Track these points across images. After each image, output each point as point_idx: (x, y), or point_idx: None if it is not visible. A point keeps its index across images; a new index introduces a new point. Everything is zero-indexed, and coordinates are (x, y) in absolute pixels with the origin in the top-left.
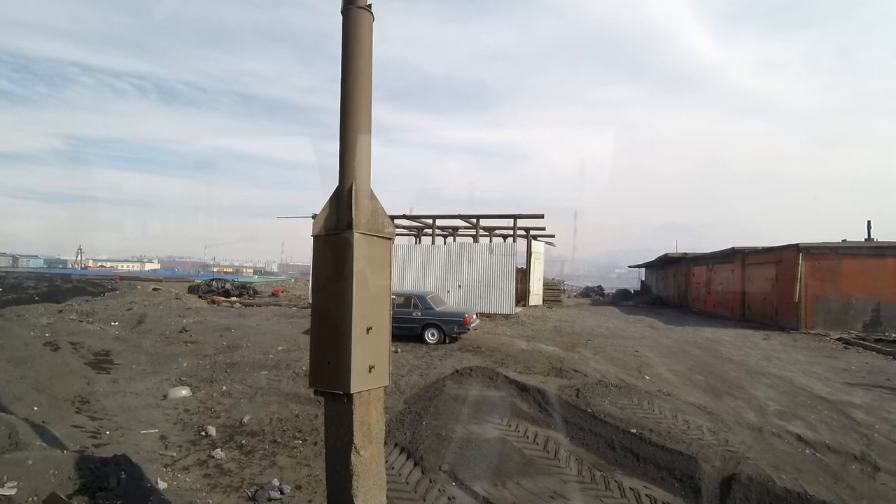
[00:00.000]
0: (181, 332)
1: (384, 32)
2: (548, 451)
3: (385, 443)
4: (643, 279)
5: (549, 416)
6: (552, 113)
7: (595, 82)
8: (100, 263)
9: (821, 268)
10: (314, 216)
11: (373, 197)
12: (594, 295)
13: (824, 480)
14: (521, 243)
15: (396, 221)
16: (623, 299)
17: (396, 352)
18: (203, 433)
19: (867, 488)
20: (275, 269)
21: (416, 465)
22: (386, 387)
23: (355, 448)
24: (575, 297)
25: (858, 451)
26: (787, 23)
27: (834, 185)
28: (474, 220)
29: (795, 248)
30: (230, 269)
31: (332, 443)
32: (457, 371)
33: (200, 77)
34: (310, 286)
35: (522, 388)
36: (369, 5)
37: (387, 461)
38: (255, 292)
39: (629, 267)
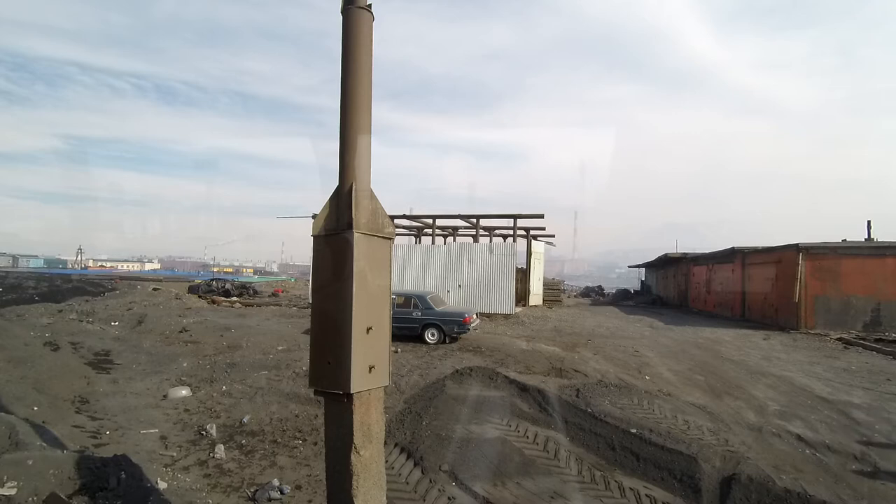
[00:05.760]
0: (181, 332)
1: (384, 32)
2: (548, 451)
3: (385, 443)
4: (643, 279)
5: (549, 416)
6: (552, 113)
7: (595, 82)
8: (100, 263)
9: (821, 268)
10: (314, 216)
11: (373, 197)
12: (594, 295)
13: (824, 480)
14: (521, 243)
15: (396, 221)
16: (623, 299)
17: (396, 352)
18: (202, 433)
19: (867, 488)
20: (275, 269)
21: (416, 465)
22: (386, 387)
23: (355, 448)
24: (575, 296)
25: (858, 451)
26: (788, 23)
27: (834, 185)
28: (474, 220)
29: (795, 248)
30: (230, 269)
31: (332, 443)
32: (457, 371)
33: (199, 76)
34: (310, 286)
35: (522, 388)
36: (369, 5)
37: (387, 461)
38: (255, 292)
39: (629, 267)
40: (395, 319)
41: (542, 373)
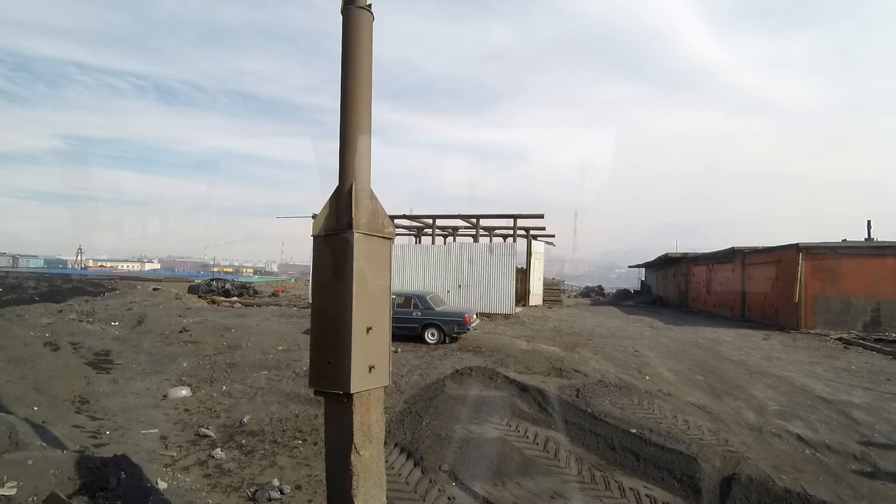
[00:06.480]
0: (181, 332)
1: (384, 32)
2: (548, 451)
3: (385, 443)
4: (643, 279)
5: (549, 416)
6: (552, 113)
7: (595, 82)
8: (100, 263)
9: (821, 268)
10: (314, 216)
11: (373, 197)
12: (594, 295)
13: (824, 480)
14: (521, 243)
15: (396, 221)
16: (623, 299)
17: (396, 352)
18: (202, 433)
19: (867, 488)
20: (275, 269)
21: (416, 465)
22: (386, 387)
23: (355, 448)
24: (575, 296)
25: (858, 451)
26: (788, 23)
27: (834, 185)
28: (474, 220)
29: (795, 248)
30: (230, 269)
31: (332, 443)
32: (457, 371)
33: (199, 76)
34: (310, 286)
35: (522, 388)
36: (369, 5)
37: (387, 461)
38: (255, 292)
39: (629, 267)
40: (395, 319)
41: (542, 373)
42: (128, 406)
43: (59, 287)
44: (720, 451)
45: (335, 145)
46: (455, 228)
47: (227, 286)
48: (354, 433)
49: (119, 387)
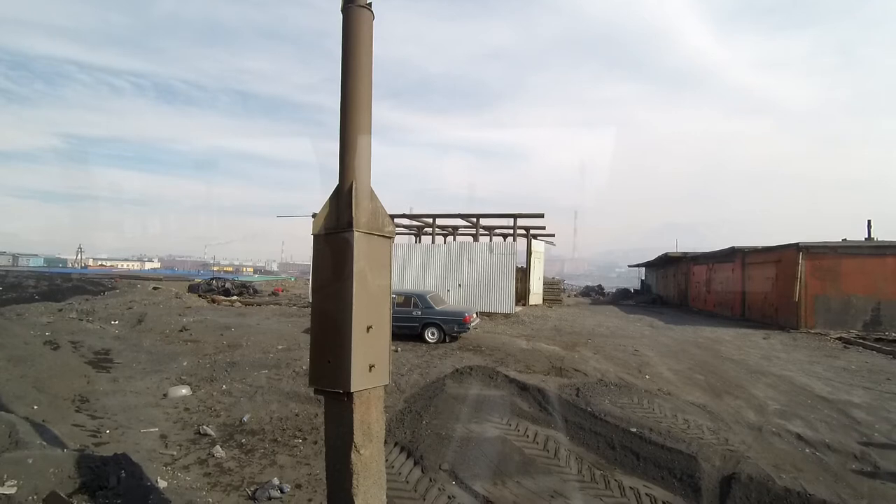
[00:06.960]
0: (181, 330)
1: (384, 31)
2: (548, 451)
3: (385, 442)
4: (643, 278)
5: (549, 415)
6: (552, 112)
7: (595, 81)
8: (100, 262)
9: (821, 267)
10: (314, 215)
11: (373, 196)
12: (594, 294)
13: (824, 479)
14: (521, 242)
15: (396, 221)
16: (623, 298)
17: (396, 351)
18: (202, 432)
19: (867, 488)
20: (275, 268)
21: (416, 464)
22: (386, 386)
23: (355, 447)
24: (575, 296)
25: (858, 451)
26: (788, 22)
27: (834, 185)
28: (474, 220)
29: (795, 248)
30: (230, 268)
31: (332, 442)
32: (457, 370)
33: (199, 76)
34: (310, 285)
35: (522, 387)
36: (369, 4)
37: (387, 460)
38: (255, 291)
39: (629, 266)
40: (395, 318)
41: (542, 372)
42: (128, 405)
43: (59, 286)
44: (720, 451)
45: (335, 145)
46: (455, 228)
47: (227, 285)
48: (354, 432)
49: (119, 386)
